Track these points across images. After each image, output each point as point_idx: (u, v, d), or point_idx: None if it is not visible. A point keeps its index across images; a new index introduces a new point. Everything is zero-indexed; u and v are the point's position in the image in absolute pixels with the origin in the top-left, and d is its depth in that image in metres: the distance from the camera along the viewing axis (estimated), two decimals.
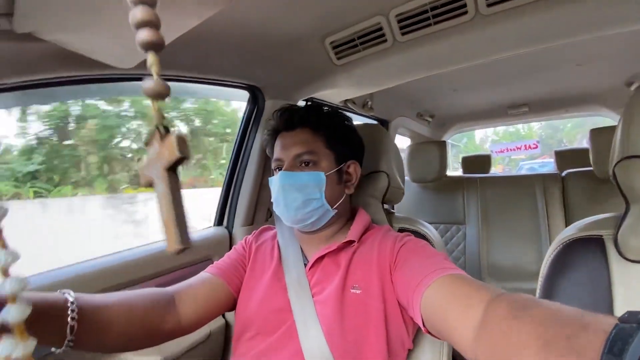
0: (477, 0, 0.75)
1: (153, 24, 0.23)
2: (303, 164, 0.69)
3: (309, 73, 1.07)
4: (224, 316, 1.03)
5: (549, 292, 0.63)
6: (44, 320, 0.44)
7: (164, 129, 0.25)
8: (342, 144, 0.73)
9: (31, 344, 0.22)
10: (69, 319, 0.45)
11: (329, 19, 0.86)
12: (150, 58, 0.23)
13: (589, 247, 0.61)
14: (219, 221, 1.14)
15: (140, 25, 0.23)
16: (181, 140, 0.24)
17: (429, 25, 0.83)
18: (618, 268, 0.57)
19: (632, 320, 0.24)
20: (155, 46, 0.23)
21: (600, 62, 1.50)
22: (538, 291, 0.65)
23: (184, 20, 0.47)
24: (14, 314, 0.21)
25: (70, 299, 0.47)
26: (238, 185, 1.13)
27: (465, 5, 0.77)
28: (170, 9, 0.44)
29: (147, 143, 0.26)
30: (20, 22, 0.48)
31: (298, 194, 0.67)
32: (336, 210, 0.70)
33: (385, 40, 0.90)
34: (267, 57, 0.96)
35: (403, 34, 0.87)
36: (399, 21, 0.84)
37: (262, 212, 1.16)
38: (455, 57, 0.96)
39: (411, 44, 0.90)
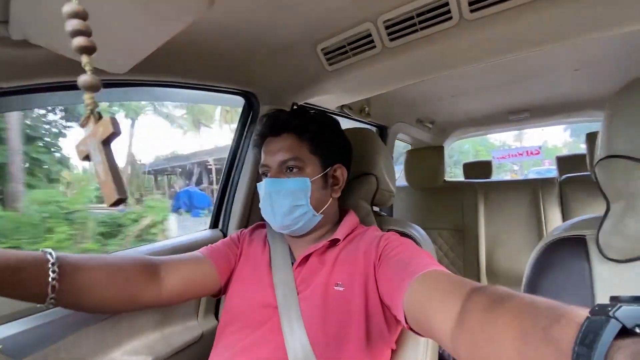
0: (461, 6, 0.77)
1: (85, 32, 0.30)
2: (288, 170, 0.70)
3: (302, 79, 1.09)
4: (217, 318, 1.04)
5: (532, 290, 0.63)
6: (23, 277, 0.47)
7: (97, 114, 0.32)
8: (328, 148, 0.74)
9: None
10: (49, 279, 0.48)
11: (320, 25, 0.88)
12: (84, 59, 0.30)
13: (572, 246, 0.61)
14: (214, 224, 1.16)
15: (75, 34, 0.29)
16: (114, 121, 0.31)
17: (416, 31, 0.84)
18: (600, 267, 0.58)
19: (601, 313, 0.25)
20: (88, 50, 0.30)
21: (598, 67, 1.50)
22: (522, 289, 0.66)
23: (169, 25, 0.49)
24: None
25: (51, 260, 0.50)
26: (233, 189, 1.15)
27: (449, 12, 0.78)
28: (154, 15, 0.46)
29: (83, 125, 0.32)
30: (15, 28, 0.51)
31: (284, 200, 0.68)
32: (322, 215, 0.72)
33: (375, 47, 0.92)
34: (261, 63, 0.98)
35: (391, 39, 0.89)
36: (387, 27, 0.86)
37: (256, 215, 1.17)
38: (444, 63, 0.97)
39: (400, 49, 0.92)
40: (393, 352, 0.69)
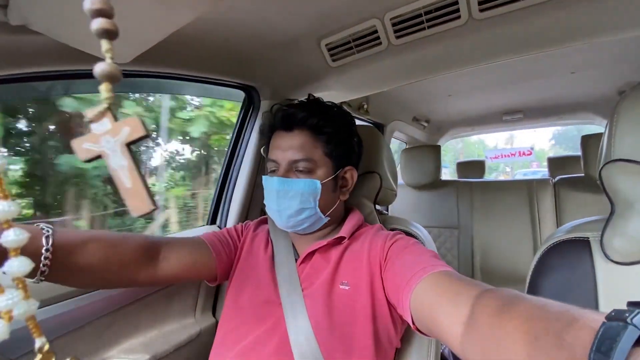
0: (470, 5, 0.76)
1: (107, 13, 0.25)
2: (298, 171, 0.67)
3: (305, 74, 1.08)
4: (214, 315, 1.03)
5: (535, 292, 0.63)
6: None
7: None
8: (342, 149, 0.70)
9: (34, 303, 0.24)
10: (41, 265, 0.46)
11: (325, 21, 0.87)
12: (105, 45, 0.25)
13: (575, 248, 0.62)
14: (212, 220, 1.14)
15: (96, 14, 0.24)
16: (143, 122, 0.27)
17: (423, 29, 0.84)
18: (603, 270, 0.58)
19: (619, 318, 0.25)
20: (110, 34, 0.25)
21: (594, 71, 1.52)
22: (525, 291, 0.66)
23: (177, 16, 0.47)
24: (16, 267, 0.24)
25: (47, 233, 0.47)
26: (232, 184, 1.13)
27: (458, 10, 0.78)
28: (163, 4, 0.44)
29: (95, 120, 0.27)
30: (14, 13, 0.49)
31: (292, 201, 0.66)
32: (329, 218, 0.70)
33: (380, 43, 0.91)
34: (263, 58, 0.96)
35: (397, 37, 0.88)
36: (394, 24, 0.85)
37: (255, 212, 1.16)
38: (450, 62, 0.97)
39: (406, 47, 0.91)
40: (398, 350, 0.69)
